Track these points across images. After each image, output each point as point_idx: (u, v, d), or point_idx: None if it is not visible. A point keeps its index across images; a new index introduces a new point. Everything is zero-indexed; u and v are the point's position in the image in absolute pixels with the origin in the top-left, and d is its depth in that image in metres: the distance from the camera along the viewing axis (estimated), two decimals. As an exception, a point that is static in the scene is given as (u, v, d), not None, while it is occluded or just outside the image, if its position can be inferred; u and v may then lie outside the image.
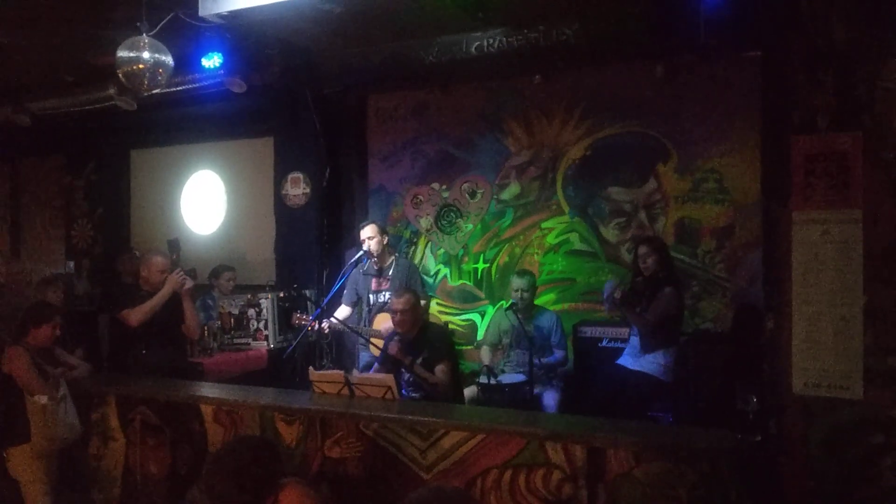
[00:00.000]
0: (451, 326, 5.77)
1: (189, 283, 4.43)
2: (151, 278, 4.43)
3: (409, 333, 4.10)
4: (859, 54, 2.89)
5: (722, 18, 3.99)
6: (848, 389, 2.81)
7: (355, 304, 4.96)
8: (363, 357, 4.95)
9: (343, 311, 4.91)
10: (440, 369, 3.98)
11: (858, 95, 2.88)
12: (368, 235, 4.75)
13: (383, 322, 4.68)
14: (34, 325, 3.67)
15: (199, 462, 3.57)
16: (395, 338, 4.19)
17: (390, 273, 4.83)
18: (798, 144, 2.96)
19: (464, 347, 5.69)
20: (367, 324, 4.83)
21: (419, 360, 4.03)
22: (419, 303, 4.22)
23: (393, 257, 4.93)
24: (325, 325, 4.69)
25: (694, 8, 4.05)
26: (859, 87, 2.87)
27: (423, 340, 4.11)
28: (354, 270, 4.84)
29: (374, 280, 4.87)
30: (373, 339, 4.63)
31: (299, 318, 4.77)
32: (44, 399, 3.55)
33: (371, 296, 4.86)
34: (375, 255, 4.78)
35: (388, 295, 4.75)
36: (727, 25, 4.03)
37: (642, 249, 4.27)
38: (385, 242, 4.85)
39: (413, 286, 4.68)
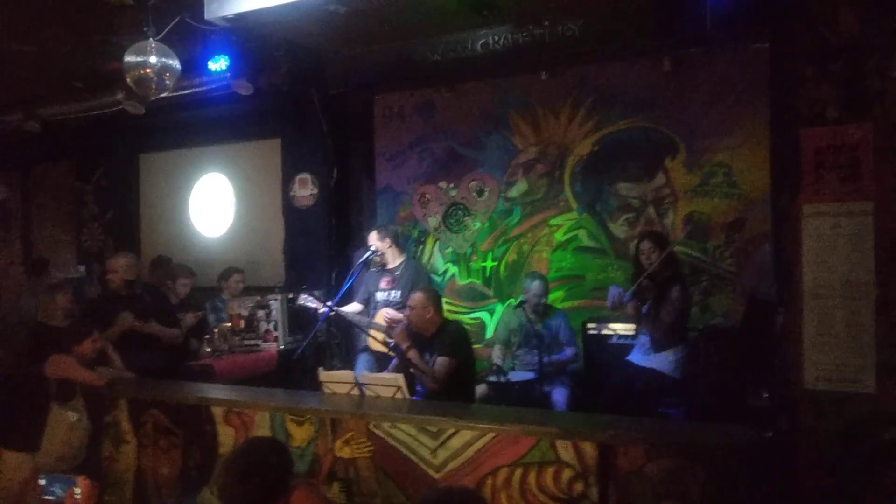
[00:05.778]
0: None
1: (108, 347, 4.09)
2: (113, 278, 4.58)
3: (426, 332, 4.04)
4: (869, 45, 2.85)
5: (728, 10, 3.97)
6: (860, 383, 2.78)
7: (367, 301, 4.98)
8: (360, 359, 4.94)
9: (354, 308, 4.93)
10: (441, 362, 3.90)
11: (868, 86, 2.84)
12: (371, 242, 4.87)
13: (382, 315, 4.72)
14: (76, 344, 3.74)
15: (209, 464, 3.58)
16: (403, 326, 4.14)
17: (398, 273, 4.84)
18: (807, 137, 2.93)
19: (473, 346, 5.67)
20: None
21: (428, 355, 3.99)
22: (432, 303, 4.05)
23: (403, 258, 4.94)
24: (324, 309, 4.66)
25: (700, 0, 4.02)
26: (869, 77, 2.83)
27: (436, 339, 4.04)
28: (364, 269, 4.87)
29: (383, 279, 4.89)
30: (372, 332, 4.61)
31: (306, 299, 4.83)
32: (73, 417, 3.59)
33: (378, 293, 4.87)
34: (381, 256, 4.85)
35: (394, 294, 4.75)
36: (733, 18, 4.02)
37: (645, 245, 4.17)
38: (389, 245, 4.87)
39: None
